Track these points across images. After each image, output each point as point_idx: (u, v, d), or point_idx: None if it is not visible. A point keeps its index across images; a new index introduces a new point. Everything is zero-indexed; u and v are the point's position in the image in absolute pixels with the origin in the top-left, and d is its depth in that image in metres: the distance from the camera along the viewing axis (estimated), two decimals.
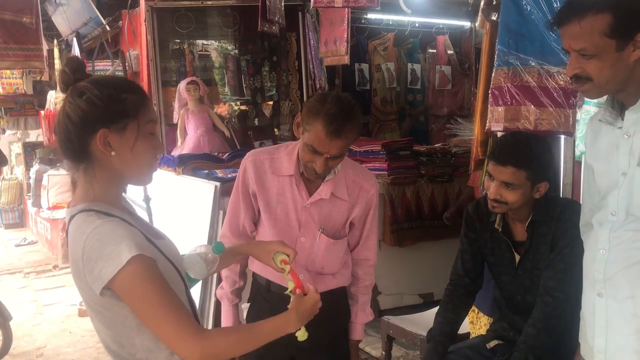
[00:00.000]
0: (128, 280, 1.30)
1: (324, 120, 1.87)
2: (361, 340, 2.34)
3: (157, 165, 1.50)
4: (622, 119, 1.63)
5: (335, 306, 2.21)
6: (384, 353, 3.33)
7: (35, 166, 8.90)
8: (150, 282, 1.32)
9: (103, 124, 1.37)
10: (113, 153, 1.39)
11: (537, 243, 2.18)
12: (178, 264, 1.52)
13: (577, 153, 2.66)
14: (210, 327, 3.51)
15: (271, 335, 1.49)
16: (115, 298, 1.35)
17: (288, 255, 1.69)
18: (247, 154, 2.18)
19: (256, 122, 5.89)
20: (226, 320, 2.26)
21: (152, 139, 1.45)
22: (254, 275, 2.26)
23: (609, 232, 1.65)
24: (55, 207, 7.57)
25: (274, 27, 4.58)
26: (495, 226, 2.26)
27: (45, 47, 6.52)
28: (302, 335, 1.61)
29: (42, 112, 8.05)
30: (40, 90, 7.75)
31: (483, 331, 2.80)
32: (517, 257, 2.24)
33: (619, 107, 1.66)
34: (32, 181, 8.70)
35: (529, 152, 2.10)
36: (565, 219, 2.11)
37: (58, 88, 7.01)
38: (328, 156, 1.92)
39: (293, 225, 2.09)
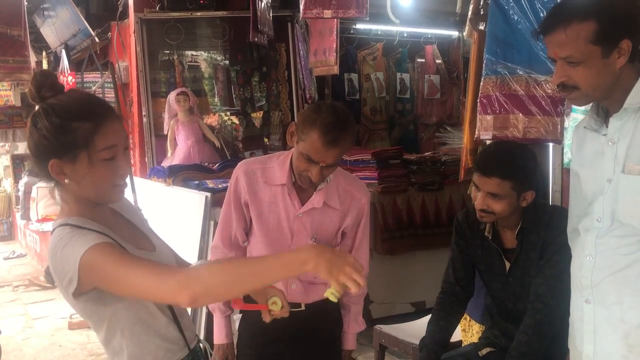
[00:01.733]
0: (89, 267, 1.31)
1: (320, 131, 1.88)
2: (354, 350, 2.34)
3: (122, 185, 1.47)
4: (607, 126, 1.64)
5: (327, 316, 2.21)
6: None
7: (24, 178, 8.81)
8: (109, 256, 1.32)
9: (54, 155, 1.37)
10: (67, 180, 1.39)
11: (526, 250, 2.19)
12: None
13: (566, 160, 2.68)
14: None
15: (279, 273, 1.33)
16: (92, 302, 1.39)
17: (277, 303, 1.66)
18: (239, 163, 2.19)
19: (246, 132, 5.89)
20: (219, 332, 2.25)
21: (110, 164, 1.40)
22: None
23: (594, 239, 1.66)
24: (44, 220, 7.49)
25: (263, 38, 4.60)
26: (486, 234, 2.27)
27: (33, 58, 6.51)
28: (331, 294, 1.39)
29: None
30: (28, 103, 7.70)
31: (475, 339, 2.80)
32: (507, 265, 2.25)
33: (603, 114, 1.68)
34: (20, 194, 8.61)
35: (513, 162, 2.11)
36: (554, 225, 2.12)
37: None
38: (323, 165, 1.93)
39: (285, 234, 2.10)
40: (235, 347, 2.27)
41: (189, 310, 1.69)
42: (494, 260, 2.28)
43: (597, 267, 1.66)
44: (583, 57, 1.54)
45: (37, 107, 1.40)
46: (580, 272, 1.71)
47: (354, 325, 2.27)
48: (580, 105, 1.88)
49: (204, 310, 3.50)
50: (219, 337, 2.25)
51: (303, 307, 2.13)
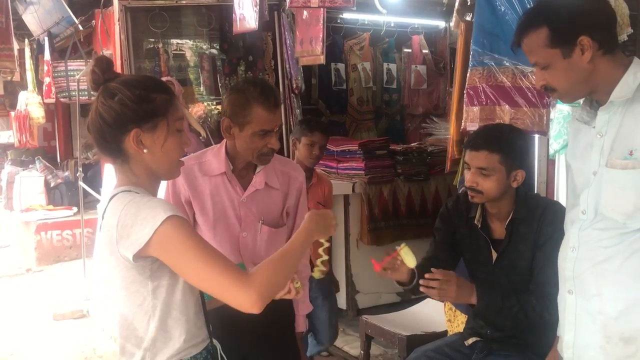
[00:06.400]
0: (167, 238, 1.35)
1: (261, 102, 1.98)
2: (303, 332, 2.45)
3: (181, 161, 1.58)
4: None
5: (279, 304, 2.23)
6: (362, 352, 3.35)
7: (7, 168, 8.71)
8: (189, 238, 1.37)
9: (135, 124, 1.44)
10: (145, 151, 1.46)
11: (515, 242, 2.19)
12: None
13: (551, 152, 2.70)
14: None
15: (301, 248, 1.53)
16: (142, 273, 1.40)
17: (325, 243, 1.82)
18: None
19: None
20: None
21: (181, 135, 1.52)
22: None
23: (578, 231, 1.69)
24: (28, 210, 7.42)
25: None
26: (475, 222, 2.27)
27: (16, 46, 6.42)
28: (317, 273, 1.80)
29: (13, 113, 7.89)
30: (11, 91, 7.61)
31: (461, 329, 2.82)
32: (495, 255, 2.25)
33: (596, 106, 1.70)
34: (3, 183, 8.51)
35: (501, 137, 2.14)
36: (549, 220, 2.10)
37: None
38: (277, 129, 2.05)
39: (233, 222, 2.13)
40: None
41: None
42: (482, 250, 2.28)
43: (579, 258, 1.69)
44: (547, 61, 1.62)
45: (107, 86, 1.46)
46: (564, 263, 1.74)
47: (302, 307, 2.36)
48: (567, 102, 1.93)
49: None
50: None
51: None
